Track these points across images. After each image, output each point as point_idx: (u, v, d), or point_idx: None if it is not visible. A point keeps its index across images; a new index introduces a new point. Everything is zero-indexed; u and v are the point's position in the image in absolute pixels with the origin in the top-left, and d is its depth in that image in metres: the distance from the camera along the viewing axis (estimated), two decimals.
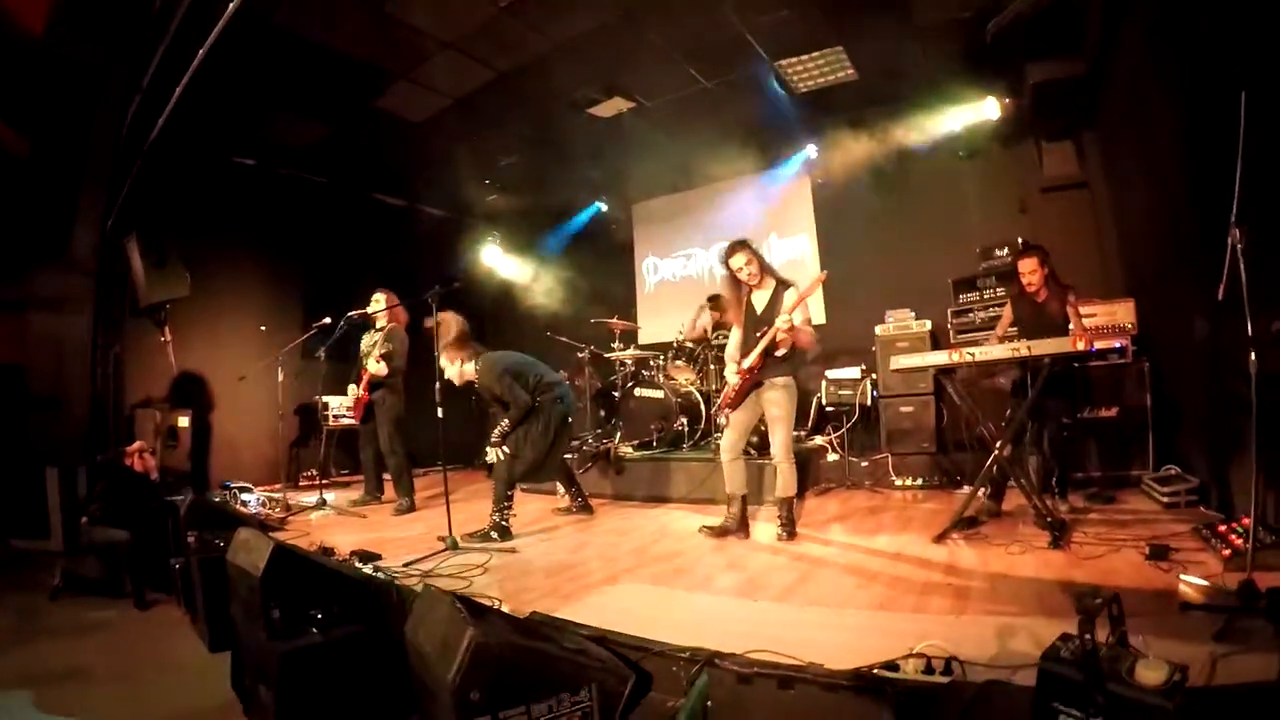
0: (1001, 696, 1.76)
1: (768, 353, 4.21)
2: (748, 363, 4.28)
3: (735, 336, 4.51)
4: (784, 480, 4.33)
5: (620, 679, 2.08)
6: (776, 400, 4.27)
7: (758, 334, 4.26)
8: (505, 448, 4.72)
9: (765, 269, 4.41)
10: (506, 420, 4.75)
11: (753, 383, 4.32)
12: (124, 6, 4.69)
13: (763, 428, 4.65)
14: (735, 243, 4.44)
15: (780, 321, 4.09)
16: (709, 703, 2.05)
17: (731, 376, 4.42)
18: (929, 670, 2.02)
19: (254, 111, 6.48)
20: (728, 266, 4.43)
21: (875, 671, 2.03)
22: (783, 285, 4.32)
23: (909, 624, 2.60)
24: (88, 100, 5.24)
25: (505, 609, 2.77)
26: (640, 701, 2.16)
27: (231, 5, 3.87)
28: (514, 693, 1.82)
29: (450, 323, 4.90)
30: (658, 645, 2.38)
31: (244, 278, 7.65)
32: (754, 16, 5.65)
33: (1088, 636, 1.42)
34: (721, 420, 5.30)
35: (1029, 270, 4.49)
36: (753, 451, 5.31)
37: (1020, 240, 6.31)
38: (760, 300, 4.41)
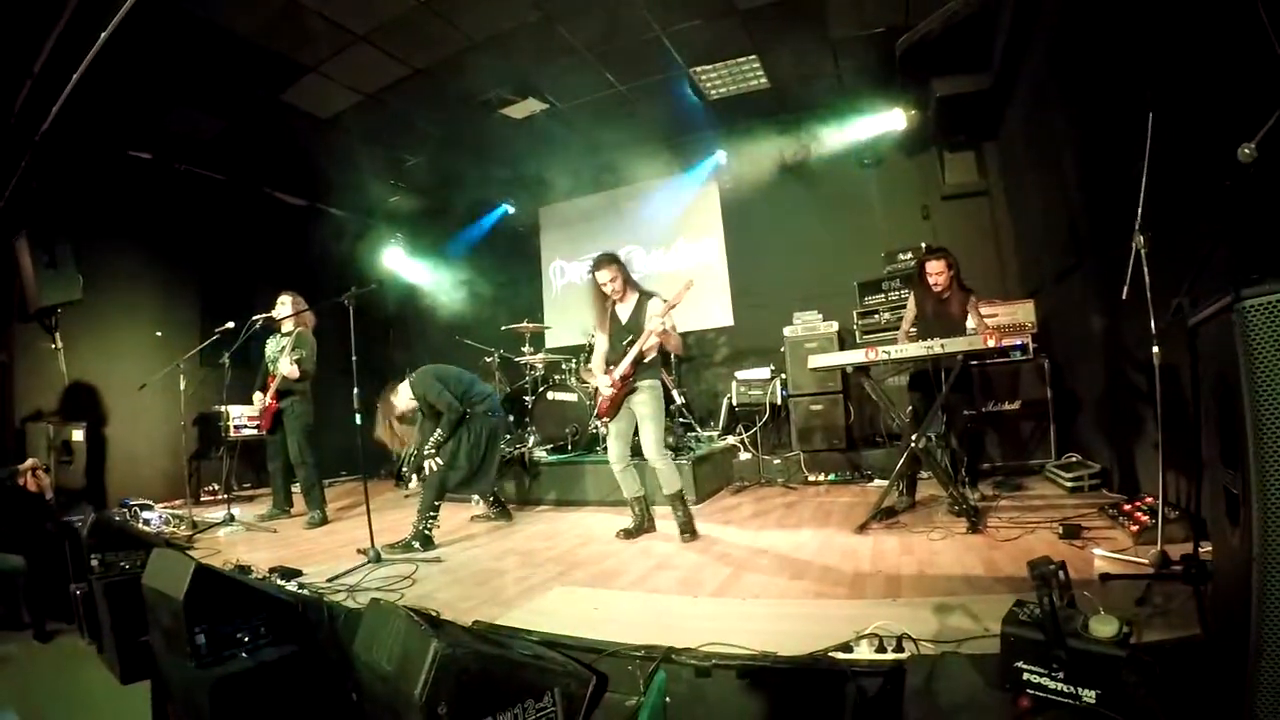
0: (957, 666, 1.86)
1: (637, 360, 4.34)
2: (620, 372, 4.38)
3: (600, 347, 4.60)
4: (664, 478, 4.40)
5: (581, 682, 2.06)
6: (643, 400, 4.38)
7: (624, 343, 4.38)
8: (439, 458, 4.69)
9: (629, 283, 4.51)
10: (440, 430, 4.72)
11: (625, 390, 4.43)
12: None
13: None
14: (601, 257, 4.52)
15: (654, 325, 4.22)
16: (667, 699, 2.05)
17: (605, 388, 4.49)
18: (882, 649, 2.09)
19: (155, 101, 6.02)
20: (594, 279, 4.51)
21: (831, 655, 2.09)
22: (646, 296, 4.45)
23: (850, 610, 2.68)
24: None
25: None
26: (599, 703, 2.14)
27: None
28: (480, 703, 1.77)
29: None
30: (610, 646, 2.37)
31: (139, 280, 7.09)
32: (673, 24, 5.72)
33: (1046, 599, 1.51)
34: (601, 430, 5.38)
35: (937, 271, 4.69)
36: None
37: (924, 245, 6.66)
38: (624, 311, 4.51)
